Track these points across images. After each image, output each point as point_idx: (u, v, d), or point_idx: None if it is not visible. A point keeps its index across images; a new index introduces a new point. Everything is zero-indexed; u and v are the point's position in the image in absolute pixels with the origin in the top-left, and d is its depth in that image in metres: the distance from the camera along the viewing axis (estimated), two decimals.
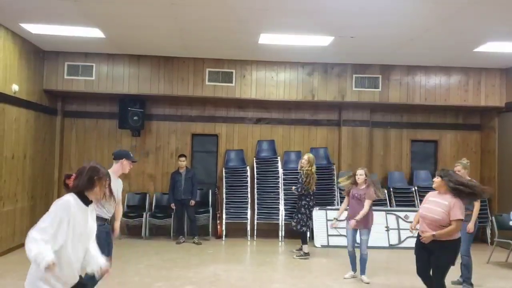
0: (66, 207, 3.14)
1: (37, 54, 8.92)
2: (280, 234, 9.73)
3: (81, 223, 3.20)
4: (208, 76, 9.47)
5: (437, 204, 4.90)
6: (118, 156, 5.23)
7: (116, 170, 5.13)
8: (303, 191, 8.15)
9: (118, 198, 5.11)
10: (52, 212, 3.12)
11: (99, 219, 4.34)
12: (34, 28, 7.68)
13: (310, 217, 8.36)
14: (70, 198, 3.21)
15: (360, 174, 6.79)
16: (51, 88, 9.26)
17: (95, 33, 7.77)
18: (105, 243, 4.75)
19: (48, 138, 9.55)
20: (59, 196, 9.95)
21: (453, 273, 6.77)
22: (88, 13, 6.80)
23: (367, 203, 6.58)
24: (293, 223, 8.36)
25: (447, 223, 4.79)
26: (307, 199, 8.20)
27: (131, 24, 7.36)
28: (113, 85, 9.36)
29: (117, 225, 5.26)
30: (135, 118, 9.77)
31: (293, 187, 8.47)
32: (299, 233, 8.28)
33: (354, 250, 6.80)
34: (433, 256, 4.94)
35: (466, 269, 6.38)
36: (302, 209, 8.18)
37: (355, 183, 6.82)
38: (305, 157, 8.27)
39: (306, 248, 8.21)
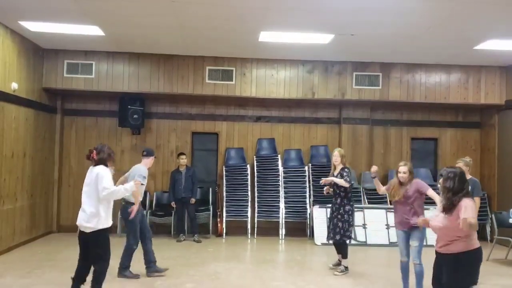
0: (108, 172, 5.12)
1: (36, 52, 8.90)
2: (280, 232, 9.73)
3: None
4: (208, 74, 9.45)
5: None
6: (150, 153, 6.74)
7: (148, 163, 6.64)
8: (346, 193, 6.98)
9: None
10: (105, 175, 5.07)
11: (130, 203, 6.31)
12: (33, 26, 7.65)
13: (351, 224, 7.08)
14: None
15: (404, 172, 5.69)
16: (51, 86, 9.24)
17: (95, 31, 7.76)
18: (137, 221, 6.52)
19: (47, 137, 9.53)
20: (59, 195, 10.02)
21: None
22: (87, 10, 6.78)
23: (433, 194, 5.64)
24: (331, 234, 7.05)
25: (456, 234, 3.98)
26: (352, 202, 7.07)
27: (131, 22, 7.35)
28: (113, 83, 9.34)
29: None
30: (135, 116, 9.75)
31: (327, 189, 7.25)
32: (338, 244, 7.09)
33: (408, 260, 5.74)
34: (444, 273, 4.09)
35: None
36: (346, 215, 6.91)
37: (399, 183, 5.73)
38: (335, 152, 7.17)
39: (346, 262, 7.03)
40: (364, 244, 9.19)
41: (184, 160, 9.50)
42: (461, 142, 10.71)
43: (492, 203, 9.90)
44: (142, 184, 6.21)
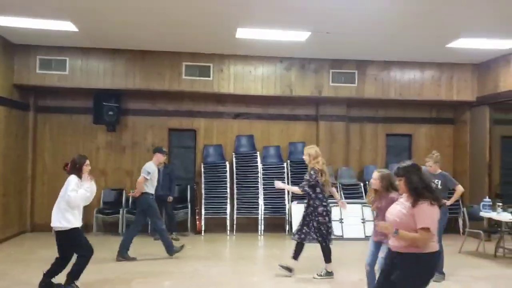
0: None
1: (7, 47, 8.67)
2: (259, 228, 9.79)
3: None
4: (185, 70, 9.39)
5: (402, 205, 3.81)
6: (156, 150, 7.87)
7: (156, 160, 7.73)
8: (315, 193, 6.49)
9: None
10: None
11: (149, 193, 7.48)
12: (4, 21, 7.44)
13: (330, 226, 6.60)
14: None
15: (374, 178, 5.15)
16: (22, 82, 9.03)
17: (68, 26, 7.60)
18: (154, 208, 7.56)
19: (20, 134, 9.32)
20: (32, 193, 9.82)
21: None
22: (60, 6, 6.64)
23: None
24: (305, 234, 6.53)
25: (412, 230, 3.63)
26: (325, 203, 6.52)
27: (105, 18, 7.24)
28: (87, 79, 9.19)
29: None
30: (111, 113, 9.62)
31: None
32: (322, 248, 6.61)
33: (371, 270, 5.17)
34: (394, 273, 3.75)
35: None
36: (320, 217, 6.46)
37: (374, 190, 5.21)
38: (305, 151, 6.74)
39: (330, 267, 6.64)
40: (340, 238, 9.32)
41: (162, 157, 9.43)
42: (435, 138, 10.94)
43: (464, 196, 10.14)
44: (146, 178, 7.37)
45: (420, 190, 3.67)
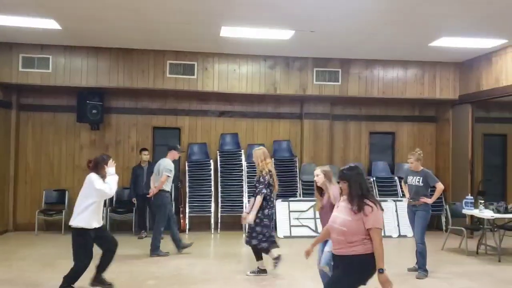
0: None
1: None
2: (244, 226, 9.79)
3: None
4: (169, 68, 9.36)
5: (345, 211, 3.74)
6: (170, 147, 7.87)
7: (171, 156, 7.77)
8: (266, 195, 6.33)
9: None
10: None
11: (166, 190, 7.60)
12: None
13: (271, 229, 6.53)
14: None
15: (316, 175, 5.09)
16: (5, 81, 8.93)
17: (51, 24, 7.53)
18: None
19: (2, 133, 9.22)
20: (15, 192, 9.73)
21: (409, 260, 7.06)
22: (43, 3, 6.58)
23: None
24: (247, 238, 6.52)
25: (361, 234, 3.63)
26: (271, 204, 6.44)
27: (89, 16, 7.18)
28: (70, 77, 9.12)
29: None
30: (94, 111, 9.56)
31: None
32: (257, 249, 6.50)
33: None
34: (335, 271, 3.85)
35: (421, 256, 6.63)
36: (266, 220, 6.33)
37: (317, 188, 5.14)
38: (253, 154, 6.61)
39: (262, 264, 6.59)
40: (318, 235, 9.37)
41: (146, 156, 9.43)
42: (418, 136, 11.06)
43: (446, 194, 10.28)
44: (168, 176, 7.50)
45: (364, 194, 3.69)
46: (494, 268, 7.30)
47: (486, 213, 7.83)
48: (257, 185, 6.29)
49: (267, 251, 6.45)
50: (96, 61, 9.19)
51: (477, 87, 9.48)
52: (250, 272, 6.52)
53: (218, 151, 10.12)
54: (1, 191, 9.25)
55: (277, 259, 6.52)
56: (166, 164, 7.59)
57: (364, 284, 3.74)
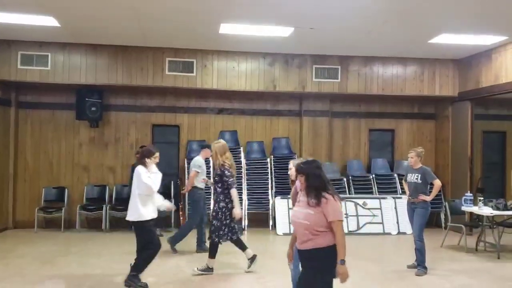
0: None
1: None
2: (243, 223, 9.81)
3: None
4: (168, 66, 9.34)
5: (305, 206, 3.72)
6: (203, 147, 8.11)
7: (203, 155, 7.87)
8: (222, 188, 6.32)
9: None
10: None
11: (198, 187, 7.76)
12: None
13: (225, 223, 6.33)
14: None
15: (289, 168, 5.03)
16: (4, 78, 8.92)
17: (50, 21, 7.52)
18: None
19: (1, 130, 9.21)
20: (14, 190, 9.73)
21: (408, 258, 7.06)
22: (41, 1, 6.56)
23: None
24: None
25: (323, 227, 3.62)
26: (227, 199, 6.34)
27: (87, 13, 7.16)
28: (69, 75, 9.10)
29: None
30: (93, 109, 9.55)
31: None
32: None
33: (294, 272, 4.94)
34: (303, 271, 3.81)
35: (420, 253, 6.64)
36: (220, 213, 6.30)
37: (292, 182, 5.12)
38: (212, 147, 6.57)
39: (211, 263, 6.47)
40: None
41: None
42: (417, 133, 11.06)
43: (446, 191, 10.29)
44: (198, 172, 7.67)
45: (323, 187, 3.69)
46: (493, 265, 7.31)
47: (485, 210, 7.84)
48: (225, 179, 6.20)
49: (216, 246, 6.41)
50: (95, 58, 9.18)
51: (476, 84, 9.47)
52: (197, 269, 6.41)
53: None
54: (1, 189, 9.26)
55: (209, 269, 6.42)
56: (195, 161, 7.78)
57: (335, 276, 3.73)
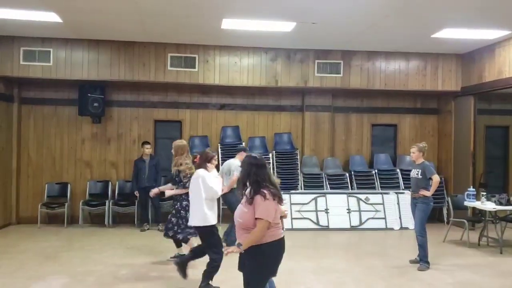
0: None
1: None
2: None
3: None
4: (170, 61, 9.34)
5: (243, 203, 3.79)
6: (239, 149, 8.08)
7: (240, 158, 7.54)
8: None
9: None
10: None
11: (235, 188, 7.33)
12: None
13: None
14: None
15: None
16: (6, 74, 8.92)
17: (51, 17, 7.51)
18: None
19: (4, 126, 9.23)
20: (18, 186, 9.77)
21: (411, 253, 7.07)
22: None
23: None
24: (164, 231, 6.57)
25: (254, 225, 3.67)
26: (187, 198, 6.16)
27: (89, 9, 7.15)
28: (72, 71, 9.10)
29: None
30: (96, 104, 9.56)
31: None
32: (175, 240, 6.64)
33: None
34: (244, 270, 3.85)
35: (422, 248, 6.64)
36: (183, 211, 6.35)
37: None
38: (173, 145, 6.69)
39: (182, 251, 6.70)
40: (326, 228, 9.39)
41: (149, 149, 9.44)
42: (420, 128, 11.03)
43: (448, 186, 10.27)
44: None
45: (255, 184, 3.70)
46: (495, 260, 7.31)
47: (488, 205, 7.84)
48: (185, 181, 6.19)
49: (185, 241, 6.50)
50: (97, 54, 9.18)
51: (479, 78, 9.43)
52: (171, 257, 6.59)
53: (219, 144, 10.10)
54: (4, 185, 9.29)
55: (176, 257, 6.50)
56: (235, 164, 7.64)
57: (275, 274, 3.81)
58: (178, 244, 6.75)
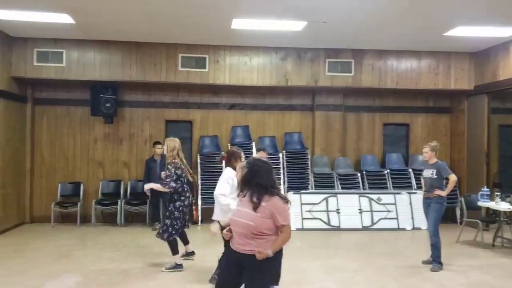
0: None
1: (4, 40, 8.67)
2: None
3: None
4: (181, 62, 9.38)
5: (249, 205, 3.58)
6: (260, 149, 7.68)
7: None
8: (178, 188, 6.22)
9: None
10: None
11: None
12: (1, 14, 7.44)
13: (184, 221, 6.36)
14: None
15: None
16: (20, 75, 9.05)
17: (64, 19, 7.60)
18: None
19: (18, 126, 9.35)
20: (31, 185, 9.87)
21: (423, 253, 7.01)
22: None
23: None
24: (160, 230, 6.37)
25: (268, 231, 3.52)
26: (182, 197, 6.27)
27: (101, 10, 7.21)
28: (84, 71, 9.20)
29: None
30: (108, 105, 9.63)
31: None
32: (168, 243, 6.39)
33: None
34: (245, 275, 3.59)
35: (435, 248, 6.58)
36: (176, 212, 6.24)
37: None
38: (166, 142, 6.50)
39: (178, 259, 6.43)
40: (337, 228, 9.35)
41: (160, 149, 9.47)
42: (432, 127, 10.93)
43: (461, 186, 10.16)
44: None
45: (256, 188, 3.59)
46: (510, 261, 7.21)
47: (503, 206, 7.73)
48: (168, 180, 6.12)
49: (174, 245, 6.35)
50: (109, 54, 9.25)
51: (493, 77, 9.32)
52: (166, 269, 6.32)
53: (229, 144, 10.12)
54: (18, 184, 9.40)
55: (188, 255, 6.55)
56: None
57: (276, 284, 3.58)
58: (185, 242, 6.72)
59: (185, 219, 6.36)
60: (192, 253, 6.78)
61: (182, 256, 6.64)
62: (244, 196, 3.67)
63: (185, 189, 6.27)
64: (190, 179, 6.46)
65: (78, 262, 6.77)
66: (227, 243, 3.94)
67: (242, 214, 3.59)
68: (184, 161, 6.42)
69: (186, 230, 6.65)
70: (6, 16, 7.56)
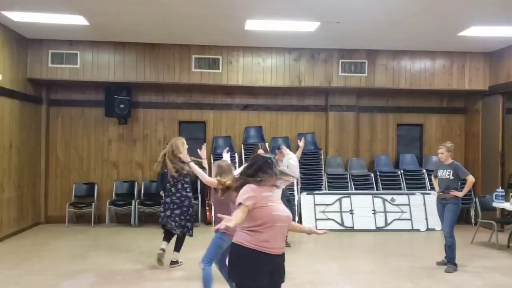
0: None
1: (20, 42, 8.78)
2: None
3: None
4: (194, 63, 9.42)
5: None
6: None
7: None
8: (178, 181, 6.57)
9: None
10: None
11: None
12: (17, 16, 7.54)
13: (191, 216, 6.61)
14: None
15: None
16: (35, 76, 9.15)
17: (79, 20, 7.67)
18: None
19: (33, 127, 9.45)
20: (46, 186, 9.97)
21: (438, 254, 6.96)
22: (71, 0, 6.70)
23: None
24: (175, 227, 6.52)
25: None
26: (188, 189, 6.62)
27: (115, 11, 7.28)
28: (98, 73, 9.28)
29: None
30: (122, 106, 9.70)
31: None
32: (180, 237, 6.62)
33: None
34: (274, 277, 3.49)
35: (450, 249, 6.53)
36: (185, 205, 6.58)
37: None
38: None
39: (178, 256, 6.66)
40: (351, 229, 9.32)
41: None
42: (446, 128, 10.85)
43: (476, 187, 10.04)
44: None
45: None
46: None
47: None
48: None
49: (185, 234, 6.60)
50: (123, 56, 9.32)
51: (508, 77, 9.22)
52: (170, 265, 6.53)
53: (242, 144, 10.15)
54: (33, 185, 9.51)
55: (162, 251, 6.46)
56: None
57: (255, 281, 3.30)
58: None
59: (166, 215, 6.55)
60: (176, 262, 6.66)
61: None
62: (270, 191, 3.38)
63: (169, 187, 6.61)
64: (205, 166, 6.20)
65: (93, 262, 6.83)
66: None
67: (281, 207, 3.38)
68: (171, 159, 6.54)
69: (190, 238, 6.73)
70: (21, 18, 7.65)
